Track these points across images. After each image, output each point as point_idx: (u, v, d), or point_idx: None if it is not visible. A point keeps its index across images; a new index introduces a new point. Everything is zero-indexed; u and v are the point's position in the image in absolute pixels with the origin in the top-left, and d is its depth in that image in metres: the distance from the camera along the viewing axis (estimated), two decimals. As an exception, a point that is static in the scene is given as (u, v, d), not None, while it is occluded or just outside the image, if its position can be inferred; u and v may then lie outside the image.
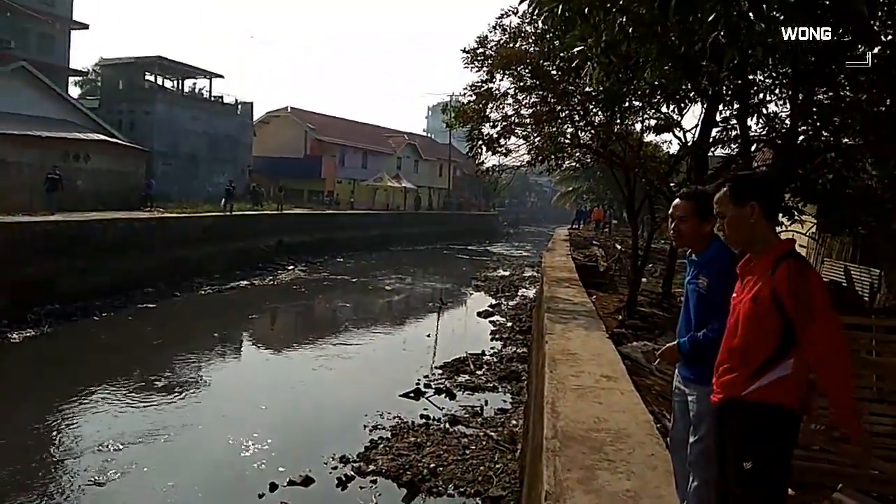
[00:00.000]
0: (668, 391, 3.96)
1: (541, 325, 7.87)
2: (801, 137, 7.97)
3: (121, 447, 8.50)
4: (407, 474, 7.52)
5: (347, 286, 25.11)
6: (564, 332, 6.63)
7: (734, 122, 9.11)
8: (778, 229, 2.64)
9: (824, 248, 13.33)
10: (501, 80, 11.24)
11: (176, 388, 11.32)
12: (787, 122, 8.18)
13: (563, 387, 4.61)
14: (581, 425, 3.84)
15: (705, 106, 9.26)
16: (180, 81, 35.71)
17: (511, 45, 10.81)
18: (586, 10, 4.94)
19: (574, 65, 7.78)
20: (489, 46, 11.12)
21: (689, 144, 9.90)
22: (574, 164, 14.26)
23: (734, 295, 2.45)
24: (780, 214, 7.54)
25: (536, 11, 5.36)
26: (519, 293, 23.53)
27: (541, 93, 10.80)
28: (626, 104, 9.65)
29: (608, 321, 8.23)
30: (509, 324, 17.33)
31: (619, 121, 10.59)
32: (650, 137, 12.89)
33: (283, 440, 8.95)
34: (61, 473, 7.83)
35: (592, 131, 10.87)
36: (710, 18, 4.18)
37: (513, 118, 11.41)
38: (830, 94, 7.57)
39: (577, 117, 10.74)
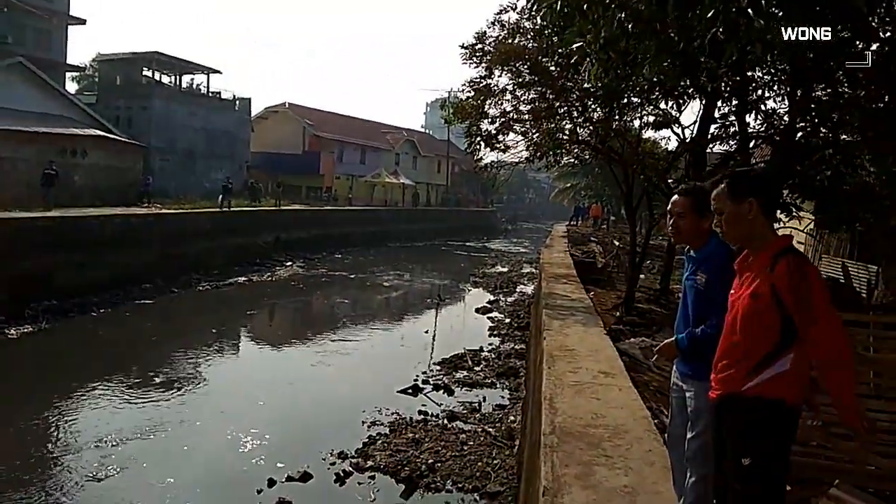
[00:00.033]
0: (666, 387, 3.96)
1: (539, 322, 7.88)
2: (800, 134, 7.96)
3: (119, 443, 8.50)
4: (405, 470, 7.54)
5: (345, 282, 25.11)
6: (562, 329, 6.64)
7: (732, 118, 9.11)
8: (775, 226, 2.64)
9: (822, 245, 13.36)
10: (500, 76, 11.22)
11: (174, 383, 11.31)
12: (786, 118, 8.18)
13: (561, 383, 4.62)
14: (579, 421, 3.84)
15: (704, 102, 9.26)
16: (178, 77, 35.63)
17: (510, 40, 10.78)
18: (585, 6, 4.94)
19: (573, 61, 7.78)
20: (488, 42, 11.10)
21: (688, 141, 9.90)
22: (572, 160, 14.25)
23: (732, 291, 2.45)
24: (778, 211, 7.55)
25: (535, 7, 5.36)
26: (517, 289, 23.53)
27: (539, 89, 10.78)
28: (625, 100, 9.66)
29: (606, 317, 8.24)
30: (507, 320, 17.34)
31: (617, 117, 10.58)
32: (649, 134, 12.92)
33: (282, 436, 8.96)
34: (60, 469, 7.83)
35: (591, 127, 10.85)
36: (709, 15, 4.17)
37: (511, 114, 11.38)
38: (829, 90, 7.57)
39: (575, 113, 10.73)
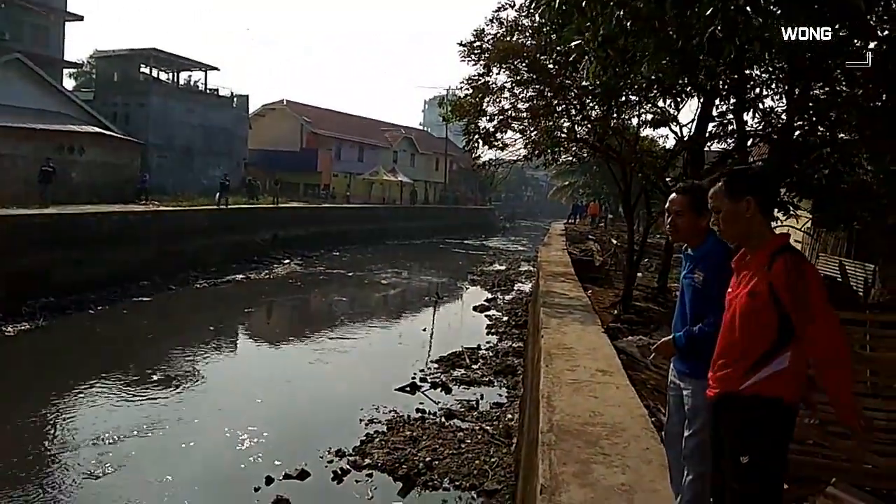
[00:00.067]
0: (664, 385, 3.97)
1: (536, 320, 7.89)
2: (797, 132, 7.98)
3: (116, 440, 8.49)
4: (403, 468, 7.53)
5: (343, 280, 25.10)
6: (560, 327, 6.64)
7: (731, 116, 9.11)
8: (773, 224, 2.64)
9: (819, 244, 13.39)
10: (498, 73, 11.21)
11: (172, 381, 11.30)
12: (784, 116, 8.19)
13: (559, 381, 4.62)
14: (576, 419, 3.84)
15: (702, 101, 9.27)
16: (175, 74, 35.54)
17: (508, 38, 10.77)
18: (583, 3, 4.93)
19: (571, 59, 7.78)
20: (486, 40, 11.08)
21: (686, 139, 9.91)
22: (571, 158, 14.25)
23: (730, 290, 2.45)
24: (776, 209, 7.56)
25: (533, 5, 5.35)
26: (515, 287, 23.55)
27: (537, 87, 10.77)
28: (623, 98, 9.65)
29: (604, 316, 8.24)
30: (505, 318, 17.34)
31: (615, 115, 10.58)
32: (647, 132, 12.92)
33: (279, 434, 8.95)
34: (57, 467, 7.81)
35: (589, 125, 10.85)
36: (708, 13, 4.17)
37: (509, 112, 11.37)
38: (827, 89, 7.58)
39: (573, 111, 10.72)
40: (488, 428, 8.79)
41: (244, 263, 24.97)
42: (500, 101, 11.46)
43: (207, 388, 11.29)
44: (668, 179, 10.33)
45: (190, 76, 37.38)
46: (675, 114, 10.21)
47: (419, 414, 9.56)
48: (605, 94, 8.99)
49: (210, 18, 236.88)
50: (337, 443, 8.36)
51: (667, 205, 3.03)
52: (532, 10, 7.99)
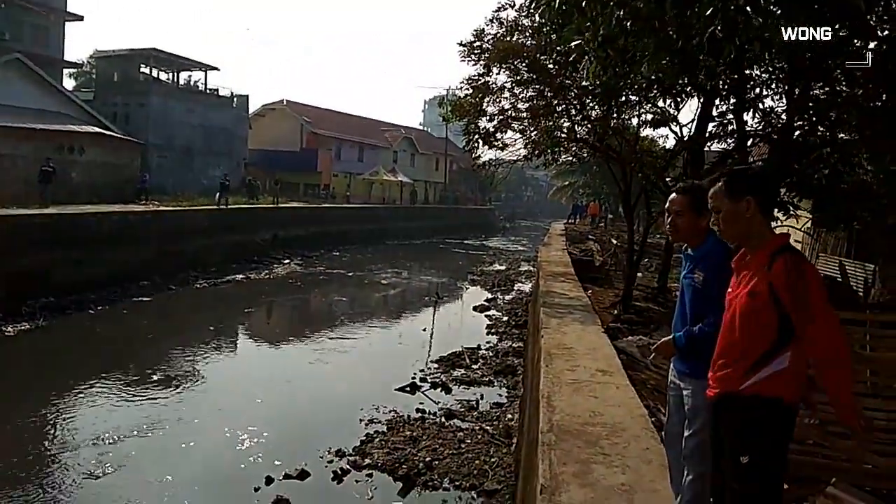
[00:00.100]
0: (664, 385, 3.97)
1: (536, 320, 7.89)
2: (797, 132, 7.98)
3: (116, 440, 8.49)
4: (403, 468, 7.53)
5: (343, 280, 25.10)
6: (560, 327, 6.64)
7: (730, 116, 9.11)
8: (773, 224, 2.64)
9: (819, 244, 13.39)
10: (498, 73, 11.21)
11: (172, 381, 11.30)
12: (784, 116, 8.19)
13: (559, 381, 4.62)
14: (576, 419, 3.84)
15: (702, 101, 9.27)
16: (175, 74, 35.54)
17: (508, 38, 10.76)
18: (583, 3, 4.93)
19: (571, 59, 7.78)
20: (486, 40, 11.08)
21: (686, 139, 9.91)
22: (571, 158, 14.25)
23: (730, 290, 2.45)
24: (776, 209, 7.56)
25: (533, 5, 5.35)
26: (515, 287, 23.55)
27: (537, 87, 10.77)
28: (623, 98, 9.65)
29: (604, 316, 8.24)
30: (505, 318, 17.34)
31: (615, 115, 10.58)
32: (647, 132, 12.92)
33: (279, 434, 8.95)
34: (57, 467, 7.81)
35: (589, 125, 10.85)
36: (708, 13, 4.17)
37: (509, 112, 11.37)
38: (827, 89, 7.58)
39: (573, 111, 10.72)
40: (488, 428, 8.79)
41: (244, 263, 24.97)
42: (500, 101, 11.46)
43: (207, 388, 11.29)
44: (668, 179, 10.32)
45: (190, 76, 37.43)
46: (675, 114, 10.22)
47: (419, 414, 9.56)
48: (605, 94, 8.99)
49: (210, 18, 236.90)
50: (337, 443, 8.36)
51: (667, 205, 3.03)
52: (532, 10, 7.99)
